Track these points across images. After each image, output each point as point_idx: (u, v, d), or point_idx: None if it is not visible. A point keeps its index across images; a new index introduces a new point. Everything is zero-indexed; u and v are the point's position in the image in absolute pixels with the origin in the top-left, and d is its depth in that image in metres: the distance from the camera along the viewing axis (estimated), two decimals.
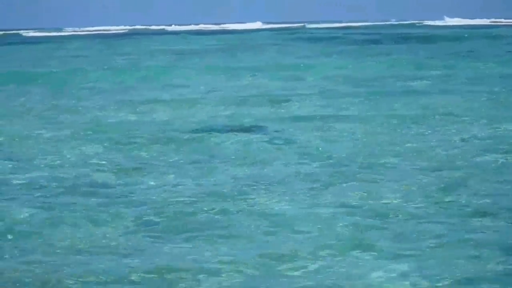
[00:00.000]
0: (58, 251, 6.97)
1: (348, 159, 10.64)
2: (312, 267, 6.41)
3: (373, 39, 46.18)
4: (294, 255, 6.66)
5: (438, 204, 8.19)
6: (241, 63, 29.57)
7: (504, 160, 10.29)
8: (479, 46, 35.69)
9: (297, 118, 14.78)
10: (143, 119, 15.42)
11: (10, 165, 10.82)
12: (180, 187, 9.33)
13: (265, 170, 10.15)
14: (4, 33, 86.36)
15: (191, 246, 7.05)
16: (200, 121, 14.87)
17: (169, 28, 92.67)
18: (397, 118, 14.19)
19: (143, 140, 12.66)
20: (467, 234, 7.11)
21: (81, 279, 6.22)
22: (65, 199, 8.82)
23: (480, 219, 7.63)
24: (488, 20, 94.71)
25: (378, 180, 9.34)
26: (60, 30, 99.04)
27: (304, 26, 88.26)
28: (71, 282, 6.17)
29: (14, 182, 9.78)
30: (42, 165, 10.81)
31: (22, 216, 8.05)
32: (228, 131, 13.39)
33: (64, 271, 6.37)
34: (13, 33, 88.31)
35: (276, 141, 12.30)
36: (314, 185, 9.16)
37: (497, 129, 12.81)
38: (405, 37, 46.82)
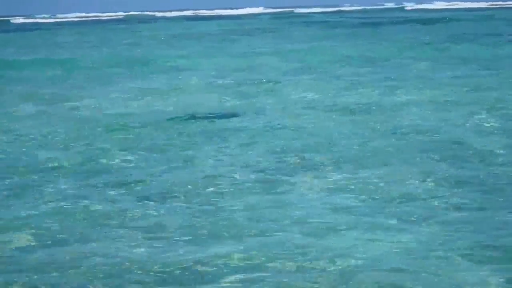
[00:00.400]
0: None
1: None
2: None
3: (374, 23, 46.29)
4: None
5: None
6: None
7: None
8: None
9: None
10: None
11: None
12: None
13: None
14: None
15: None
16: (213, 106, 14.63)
17: (169, 14, 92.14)
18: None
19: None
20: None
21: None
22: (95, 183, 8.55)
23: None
24: (476, 3, 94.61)
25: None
26: (52, 17, 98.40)
27: (292, 12, 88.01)
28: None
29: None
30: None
31: None
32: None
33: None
34: (3, 20, 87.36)
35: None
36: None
37: None
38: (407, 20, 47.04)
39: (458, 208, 7.37)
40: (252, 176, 8.81)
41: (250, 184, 8.47)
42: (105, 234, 6.86)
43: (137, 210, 7.60)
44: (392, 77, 18.28)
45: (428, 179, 8.40)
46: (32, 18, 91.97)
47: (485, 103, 13.38)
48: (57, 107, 15.41)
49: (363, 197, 7.84)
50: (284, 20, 59.21)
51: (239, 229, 6.87)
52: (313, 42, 31.35)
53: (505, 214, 7.08)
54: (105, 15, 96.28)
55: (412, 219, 7.05)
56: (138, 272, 5.93)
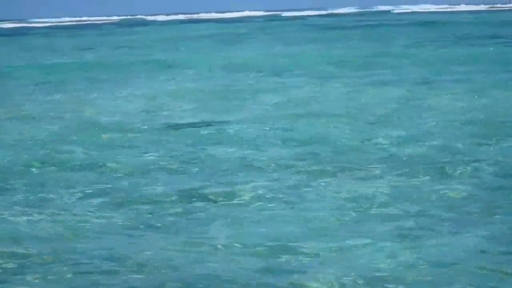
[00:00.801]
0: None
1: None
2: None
3: (373, 25, 46.61)
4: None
5: None
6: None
7: None
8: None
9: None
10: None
11: None
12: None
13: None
14: None
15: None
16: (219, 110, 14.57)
17: (164, 18, 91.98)
18: None
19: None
20: None
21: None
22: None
23: None
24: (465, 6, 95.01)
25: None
26: (43, 21, 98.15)
27: (280, 15, 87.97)
28: None
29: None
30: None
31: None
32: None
33: None
34: None
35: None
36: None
37: None
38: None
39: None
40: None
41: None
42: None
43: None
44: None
45: None
46: (23, 23, 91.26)
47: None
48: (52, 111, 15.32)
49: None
50: (275, 22, 59.36)
51: None
52: (309, 44, 31.45)
53: None
54: (100, 19, 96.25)
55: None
56: None
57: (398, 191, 7.98)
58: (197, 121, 13.12)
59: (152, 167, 9.59)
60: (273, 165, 9.43)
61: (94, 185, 8.73)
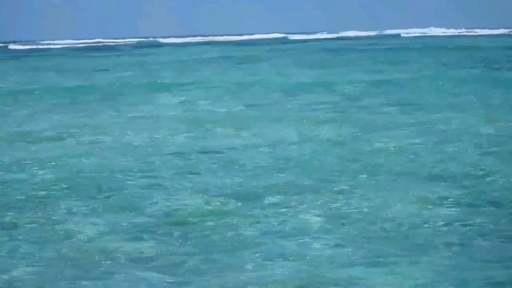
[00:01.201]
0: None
1: None
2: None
3: (392, 48, 46.84)
4: None
5: None
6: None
7: None
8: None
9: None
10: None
11: None
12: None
13: None
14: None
15: None
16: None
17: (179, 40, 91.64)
18: None
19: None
20: None
21: None
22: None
23: None
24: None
25: None
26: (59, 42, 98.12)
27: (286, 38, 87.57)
28: None
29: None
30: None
31: None
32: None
33: None
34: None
35: None
36: None
37: None
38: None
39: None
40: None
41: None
42: None
43: None
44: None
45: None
46: (34, 44, 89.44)
47: None
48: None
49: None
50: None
51: None
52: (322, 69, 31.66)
53: None
54: (116, 41, 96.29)
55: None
56: None
57: None
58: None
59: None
60: None
61: None
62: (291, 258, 6.92)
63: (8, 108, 20.65)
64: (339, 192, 9.31)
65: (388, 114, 16.59)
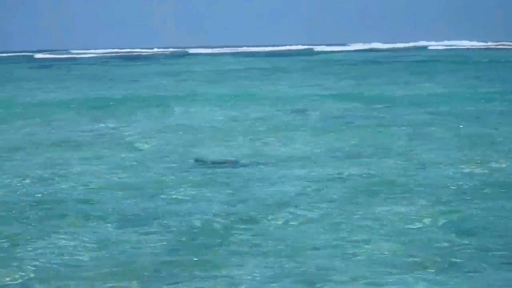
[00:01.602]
0: None
1: None
2: None
3: (420, 60, 46.67)
4: None
5: None
6: None
7: None
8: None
9: None
10: None
11: None
12: None
13: None
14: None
15: None
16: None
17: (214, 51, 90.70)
18: None
19: None
20: None
21: None
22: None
23: None
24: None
25: None
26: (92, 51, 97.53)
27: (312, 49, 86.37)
28: None
29: None
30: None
31: None
32: None
33: None
34: (27, 55, 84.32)
35: None
36: None
37: None
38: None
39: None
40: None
41: None
42: None
43: None
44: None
45: None
46: (63, 53, 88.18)
47: None
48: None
49: None
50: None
51: None
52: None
53: None
54: (150, 51, 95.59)
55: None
56: None
57: None
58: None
59: None
60: None
61: None
62: None
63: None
64: None
65: None
